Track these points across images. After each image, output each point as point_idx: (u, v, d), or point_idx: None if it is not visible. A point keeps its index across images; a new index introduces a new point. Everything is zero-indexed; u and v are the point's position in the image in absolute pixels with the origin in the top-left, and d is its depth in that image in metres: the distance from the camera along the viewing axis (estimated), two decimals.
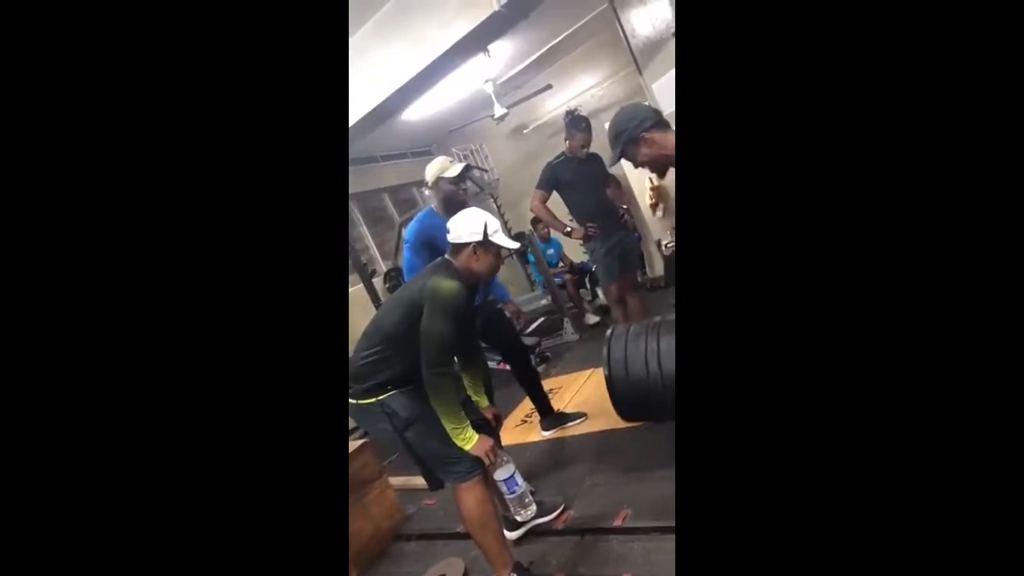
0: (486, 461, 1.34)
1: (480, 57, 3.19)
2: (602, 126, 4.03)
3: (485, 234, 1.38)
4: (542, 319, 3.84)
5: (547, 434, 2.20)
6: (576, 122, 2.49)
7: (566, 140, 2.53)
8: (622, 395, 1.58)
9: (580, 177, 2.45)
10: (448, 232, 1.41)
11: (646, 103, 2.96)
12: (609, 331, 1.67)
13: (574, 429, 2.19)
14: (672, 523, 1.39)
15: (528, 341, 3.34)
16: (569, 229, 2.53)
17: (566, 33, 3.45)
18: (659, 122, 1.40)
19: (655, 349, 1.50)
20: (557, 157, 2.54)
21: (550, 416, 2.21)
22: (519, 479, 1.45)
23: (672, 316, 1.62)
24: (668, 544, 1.36)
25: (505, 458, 1.43)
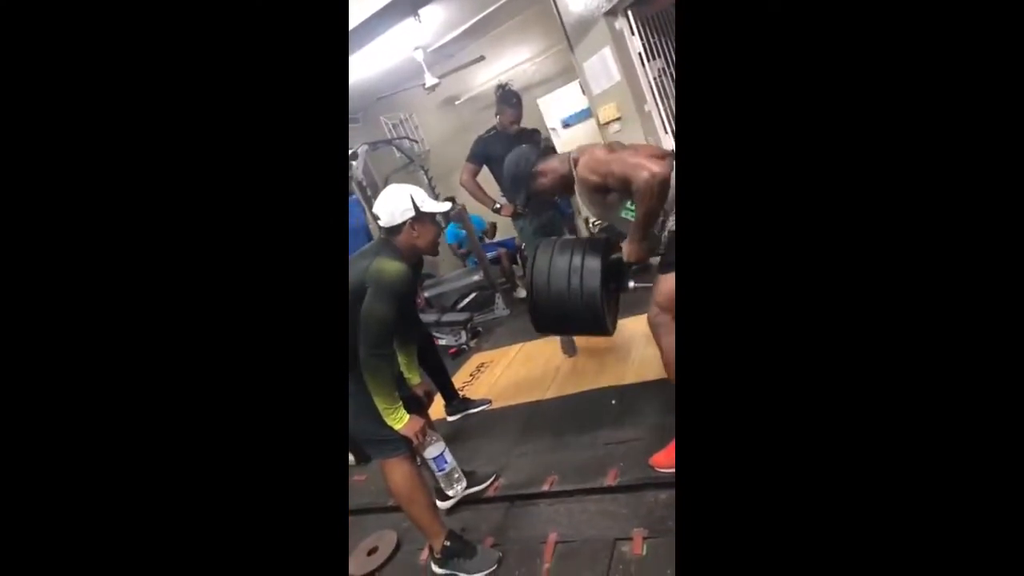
0: (415, 441, 1.35)
1: (411, 22, 3.07)
2: (534, 102, 4.04)
3: (416, 207, 1.37)
4: (474, 294, 3.85)
5: (452, 419, 2.22)
6: (507, 97, 2.47)
7: (496, 115, 2.52)
8: (541, 307, 1.58)
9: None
10: (378, 218, 1.38)
11: (577, 81, 2.99)
12: (536, 244, 1.66)
13: (502, 401, 2.25)
14: (594, 484, 1.49)
15: (459, 316, 3.36)
16: (499, 206, 2.54)
17: (499, 3, 3.38)
18: (542, 153, 1.53)
19: (578, 266, 1.51)
20: (488, 131, 2.52)
21: (455, 401, 2.22)
22: (448, 457, 1.48)
23: (600, 235, 1.66)
24: (591, 504, 1.46)
25: (435, 437, 1.45)
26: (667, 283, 1.38)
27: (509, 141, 2.44)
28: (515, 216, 2.51)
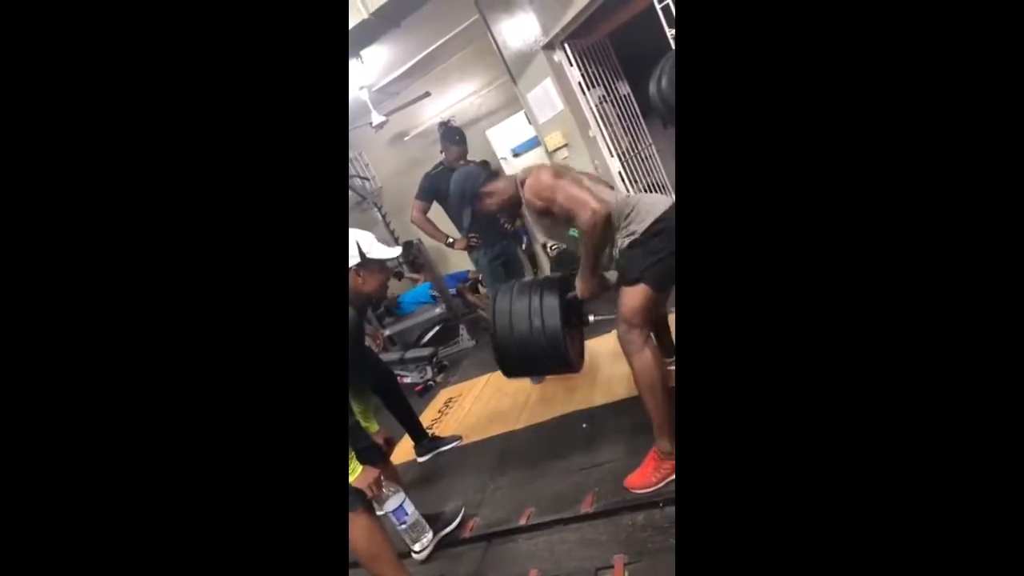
0: (369, 494, 1.29)
1: (353, 63, 3.09)
2: (483, 134, 4.11)
3: (361, 254, 1.34)
4: (437, 327, 3.80)
5: (422, 459, 2.15)
6: (449, 134, 2.49)
7: (442, 151, 2.54)
8: (506, 351, 1.58)
9: None
10: None
11: (522, 111, 3.06)
12: (494, 291, 1.68)
13: (473, 436, 2.21)
14: (571, 513, 1.47)
15: (423, 352, 3.30)
16: (451, 240, 2.54)
17: (440, 42, 3.46)
18: (490, 175, 1.58)
19: (538, 307, 1.53)
20: (436, 167, 2.53)
21: (424, 440, 2.15)
22: (409, 508, 1.41)
23: (554, 274, 1.71)
24: (569, 534, 1.43)
25: (393, 488, 1.39)
26: (629, 297, 1.39)
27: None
28: (469, 249, 2.52)
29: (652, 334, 1.46)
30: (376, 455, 1.47)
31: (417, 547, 1.52)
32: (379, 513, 1.40)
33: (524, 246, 4.30)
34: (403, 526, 1.40)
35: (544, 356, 1.55)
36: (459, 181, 1.58)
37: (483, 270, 2.59)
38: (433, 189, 2.50)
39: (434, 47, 3.48)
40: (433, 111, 4.33)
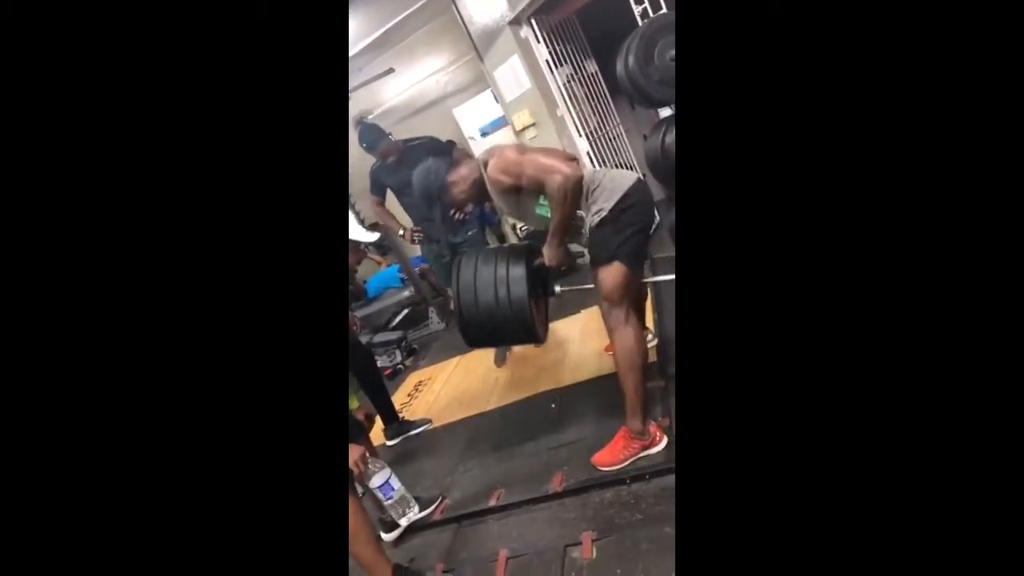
0: (355, 471, 1.28)
1: None
2: (450, 113, 4.02)
3: None
4: (406, 311, 3.76)
5: (391, 443, 2.14)
6: (364, 136, 2.33)
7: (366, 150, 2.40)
8: (471, 322, 1.55)
9: (400, 181, 2.30)
10: None
11: (488, 89, 3.00)
12: (458, 258, 1.62)
13: (443, 419, 2.20)
14: (540, 492, 1.48)
15: (392, 336, 3.26)
16: (402, 232, 2.46)
17: (403, 15, 3.34)
18: (450, 164, 1.53)
19: (504, 276, 1.50)
20: (375, 163, 2.43)
21: (394, 424, 2.14)
22: (395, 483, 1.41)
23: (522, 242, 1.68)
24: (539, 513, 1.44)
25: (378, 464, 1.38)
26: (608, 276, 1.39)
27: (395, 170, 2.36)
28: (420, 241, 2.45)
29: (634, 311, 1.46)
30: (358, 432, 1.45)
31: (403, 521, 1.52)
32: (364, 490, 1.38)
33: (494, 226, 4.27)
34: (389, 501, 1.40)
35: (509, 327, 1.52)
36: (420, 179, 1.52)
37: (432, 262, 2.55)
38: (380, 183, 2.43)
39: (397, 20, 3.36)
40: (398, 88, 4.20)
